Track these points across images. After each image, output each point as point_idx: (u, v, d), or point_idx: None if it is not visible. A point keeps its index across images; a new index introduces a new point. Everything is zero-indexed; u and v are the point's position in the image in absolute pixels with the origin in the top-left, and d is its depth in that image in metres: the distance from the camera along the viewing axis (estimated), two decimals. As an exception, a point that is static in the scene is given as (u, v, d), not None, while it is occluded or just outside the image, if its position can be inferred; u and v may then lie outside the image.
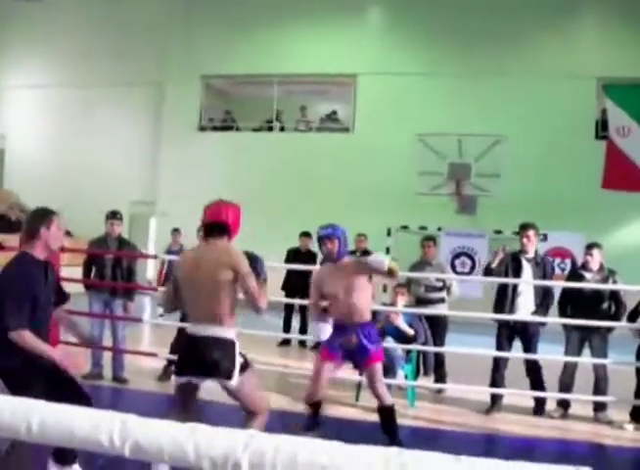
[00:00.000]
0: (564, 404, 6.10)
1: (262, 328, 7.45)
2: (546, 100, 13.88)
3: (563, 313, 6.22)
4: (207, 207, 3.74)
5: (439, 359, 6.95)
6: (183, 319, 6.21)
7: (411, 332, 6.45)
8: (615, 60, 13.58)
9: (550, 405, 6.15)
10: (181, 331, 6.07)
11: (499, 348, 6.19)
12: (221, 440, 1.26)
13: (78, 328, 3.94)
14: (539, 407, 6.13)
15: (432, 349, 6.78)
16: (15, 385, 3.31)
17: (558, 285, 6.64)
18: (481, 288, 11.31)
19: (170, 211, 14.87)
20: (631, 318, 5.93)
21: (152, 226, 16.55)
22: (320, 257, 9.25)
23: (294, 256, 9.52)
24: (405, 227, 13.21)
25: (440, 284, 7.05)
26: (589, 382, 6.04)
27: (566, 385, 6.08)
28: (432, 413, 6.04)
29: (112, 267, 6.67)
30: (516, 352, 6.26)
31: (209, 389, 3.81)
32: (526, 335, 6.15)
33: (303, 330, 9.33)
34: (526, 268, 6.18)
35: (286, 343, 9.34)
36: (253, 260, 3.65)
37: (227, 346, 3.53)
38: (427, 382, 6.94)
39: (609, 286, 6.03)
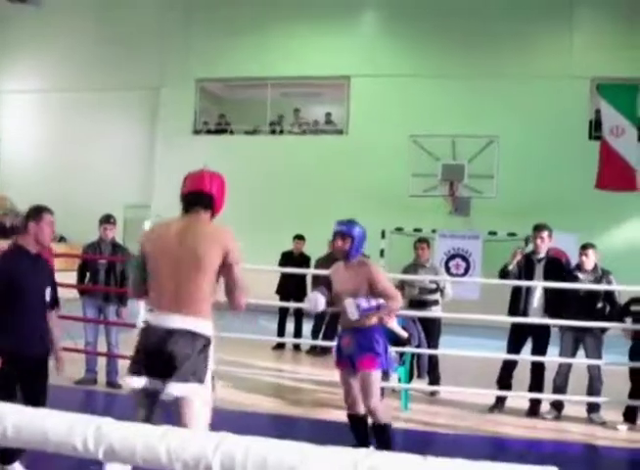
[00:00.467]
0: (557, 406, 6.09)
1: (257, 332, 7.44)
2: (540, 101, 13.90)
3: (556, 314, 6.22)
4: (188, 175, 3.32)
5: (433, 362, 6.94)
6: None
7: (405, 334, 6.42)
8: (608, 60, 13.59)
9: (544, 407, 6.15)
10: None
11: (510, 348, 6.24)
12: (193, 442, 1.26)
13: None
14: (533, 409, 6.14)
15: (426, 351, 6.77)
16: None
17: (552, 286, 6.64)
18: (478, 290, 11.31)
19: (165, 215, 14.75)
20: (620, 318, 5.94)
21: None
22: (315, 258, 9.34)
23: (287, 259, 9.52)
24: (399, 229, 13.19)
25: (434, 286, 7.04)
26: (582, 383, 6.04)
27: (559, 387, 6.07)
28: (425, 416, 6.03)
29: (105, 272, 6.67)
30: (515, 353, 6.26)
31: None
32: (538, 335, 6.15)
33: (298, 334, 9.33)
34: (538, 269, 6.21)
35: (280, 346, 9.33)
36: None
37: (201, 342, 2.90)
38: (421, 384, 6.93)
39: (603, 286, 6.04)
